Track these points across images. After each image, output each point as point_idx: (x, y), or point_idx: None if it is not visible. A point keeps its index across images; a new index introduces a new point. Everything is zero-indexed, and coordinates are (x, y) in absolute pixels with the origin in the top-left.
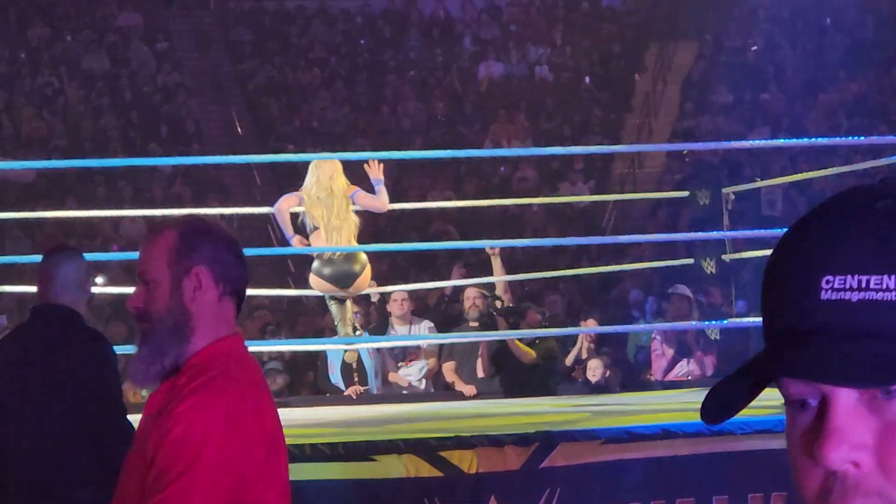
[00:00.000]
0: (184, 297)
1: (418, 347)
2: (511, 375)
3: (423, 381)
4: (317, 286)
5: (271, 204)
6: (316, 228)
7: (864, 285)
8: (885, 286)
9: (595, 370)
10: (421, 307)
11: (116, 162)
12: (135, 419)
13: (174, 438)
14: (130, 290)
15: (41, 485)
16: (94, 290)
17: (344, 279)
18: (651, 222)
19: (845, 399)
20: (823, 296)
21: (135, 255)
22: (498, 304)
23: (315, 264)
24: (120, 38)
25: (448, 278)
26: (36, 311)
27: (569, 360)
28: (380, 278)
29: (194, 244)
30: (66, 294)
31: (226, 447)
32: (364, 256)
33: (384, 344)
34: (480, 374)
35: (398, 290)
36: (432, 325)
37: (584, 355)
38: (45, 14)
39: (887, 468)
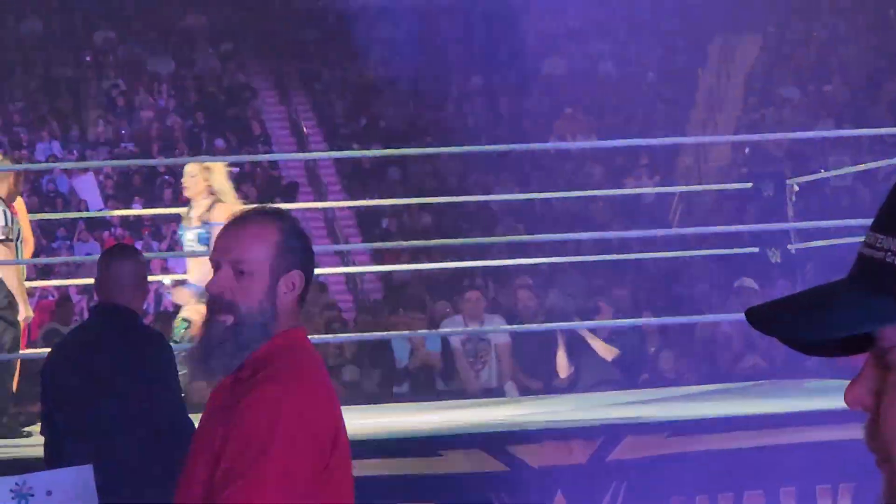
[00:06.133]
0: (277, 296)
1: (490, 346)
2: (590, 372)
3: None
4: None
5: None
6: None
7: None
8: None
9: (666, 360)
10: (492, 305)
11: (183, 161)
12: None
13: (241, 432)
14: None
15: (105, 485)
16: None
17: None
18: (716, 216)
19: None
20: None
21: (201, 252)
22: None
23: None
24: (185, 40)
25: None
26: (94, 309)
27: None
28: (447, 274)
29: (295, 244)
30: (124, 293)
31: (293, 439)
32: None
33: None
34: (562, 373)
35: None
36: (504, 321)
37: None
38: (110, 17)
39: None
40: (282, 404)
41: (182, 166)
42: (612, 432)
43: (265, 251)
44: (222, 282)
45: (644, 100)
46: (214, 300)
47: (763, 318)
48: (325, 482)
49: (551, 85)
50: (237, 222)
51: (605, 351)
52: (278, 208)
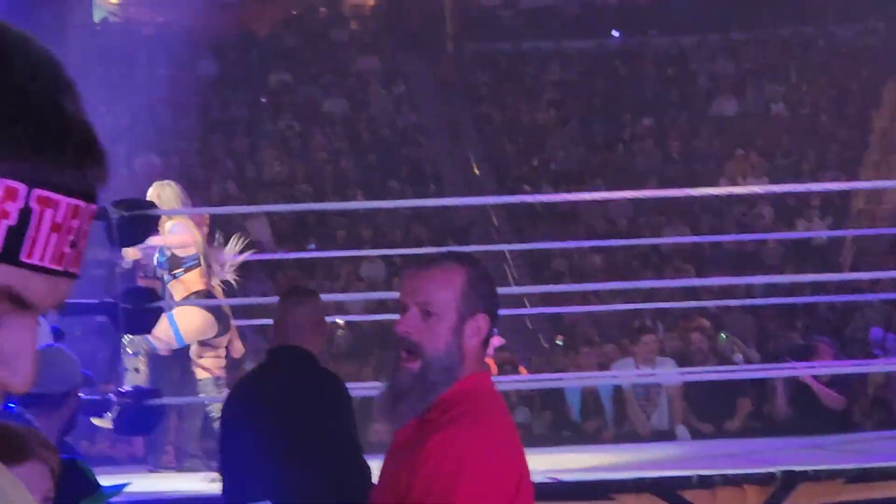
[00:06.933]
0: (463, 339)
1: (661, 389)
2: (815, 419)
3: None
4: None
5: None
6: None
7: None
8: None
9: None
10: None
11: (356, 205)
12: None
13: (427, 473)
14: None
15: None
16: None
17: None
18: (890, 259)
19: None
20: None
21: (374, 294)
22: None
23: None
24: (358, 82)
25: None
26: (271, 353)
27: None
28: (616, 316)
29: (482, 289)
30: (301, 334)
31: (478, 482)
32: None
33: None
34: (780, 416)
35: None
36: (675, 363)
37: None
38: (285, 59)
39: None
40: (467, 448)
41: (358, 210)
42: (786, 478)
43: (452, 294)
44: (410, 322)
45: (816, 141)
46: (402, 341)
47: None
48: None
49: (722, 126)
50: (425, 265)
51: (830, 398)
52: (465, 253)
